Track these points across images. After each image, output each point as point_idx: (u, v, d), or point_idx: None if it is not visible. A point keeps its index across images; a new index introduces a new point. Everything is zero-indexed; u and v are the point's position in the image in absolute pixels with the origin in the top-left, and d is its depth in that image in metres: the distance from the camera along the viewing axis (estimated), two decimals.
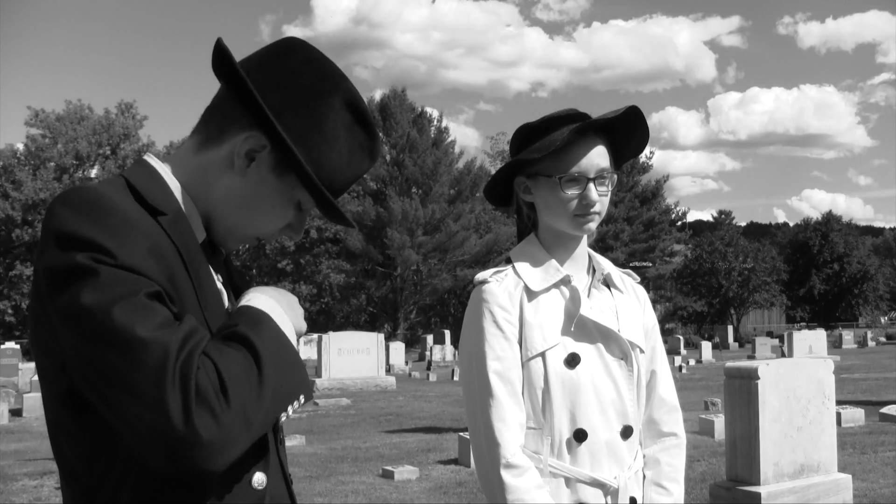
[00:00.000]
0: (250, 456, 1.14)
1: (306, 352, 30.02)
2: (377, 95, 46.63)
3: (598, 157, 1.83)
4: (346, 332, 21.42)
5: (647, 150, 58.94)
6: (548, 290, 1.87)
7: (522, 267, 1.90)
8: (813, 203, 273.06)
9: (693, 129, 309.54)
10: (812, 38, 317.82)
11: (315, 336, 23.21)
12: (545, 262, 1.90)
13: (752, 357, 27.12)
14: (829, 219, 70.56)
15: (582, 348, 1.84)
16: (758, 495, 5.27)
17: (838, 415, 9.35)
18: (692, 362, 27.71)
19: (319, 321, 46.64)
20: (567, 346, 1.83)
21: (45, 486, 7.87)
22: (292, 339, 1.18)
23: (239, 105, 1.21)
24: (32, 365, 20.18)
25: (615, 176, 1.88)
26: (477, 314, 1.86)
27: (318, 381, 18.75)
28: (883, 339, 44.02)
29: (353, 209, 44.36)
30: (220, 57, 1.23)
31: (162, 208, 1.15)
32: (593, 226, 1.88)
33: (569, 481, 1.79)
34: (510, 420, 1.78)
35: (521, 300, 1.85)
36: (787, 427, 5.46)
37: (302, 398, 1.16)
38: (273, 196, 1.23)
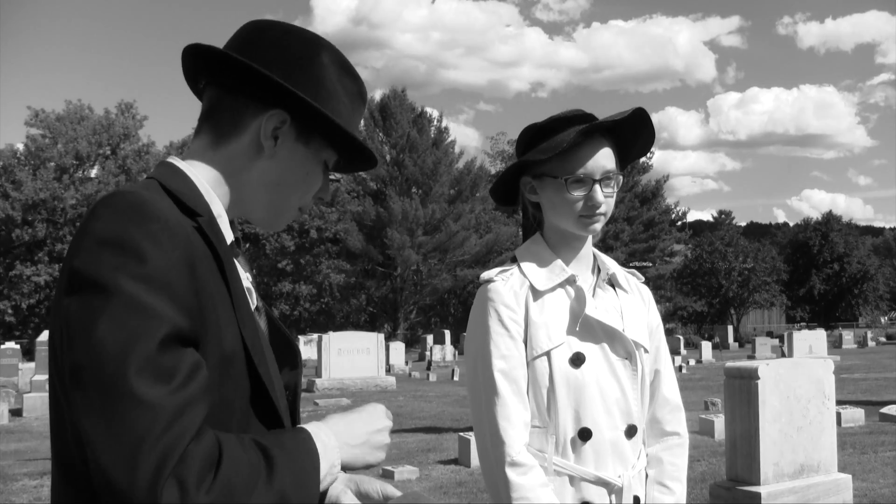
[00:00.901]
0: None
1: (306, 352, 30.01)
2: (377, 95, 46.64)
3: (604, 158, 1.84)
4: (346, 332, 21.42)
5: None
6: (553, 289, 1.88)
7: (528, 266, 1.90)
8: (813, 203, 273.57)
9: (693, 129, 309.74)
10: (811, 38, 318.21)
11: (315, 336, 23.22)
12: (551, 261, 1.91)
13: (752, 357, 27.12)
14: (829, 219, 70.57)
15: (587, 348, 1.84)
16: (758, 495, 5.27)
17: (838, 415, 9.35)
18: (692, 362, 27.71)
19: (319, 321, 46.63)
20: (572, 345, 1.84)
21: (45, 486, 7.87)
22: (326, 482, 1.13)
23: (245, 92, 1.23)
24: (32, 365, 20.19)
25: (621, 177, 1.89)
26: (482, 313, 1.87)
27: (317, 381, 18.76)
28: (883, 339, 44.03)
29: (353, 209, 44.37)
30: (206, 57, 1.24)
31: (198, 210, 1.16)
32: (598, 226, 1.89)
33: (573, 480, 1.80)
34: (515, 419, 1.79)
35: (526, 299, 1.86)
36: (787, 427, 5.46)
37: None
38: (305, 164, 1.28)
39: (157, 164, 1.25)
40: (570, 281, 1.89)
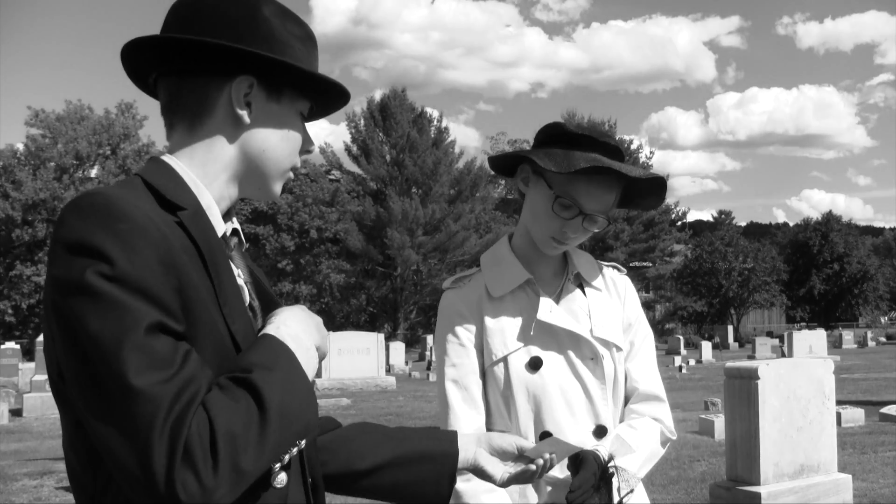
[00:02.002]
0: None
1: None
2: (377, 95, 46.66)
3: (603, 197, 1.81)
4: (346, 332, 21.43)
5: (647, 151, 58.99)
6: (510, 293, 1.87)
7: (488, 272, 1.91)
8: (812, 203, 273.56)
9: (692, 129, 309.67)
10: (811, 38, 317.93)
11: None
12: (511, 265, 1.90)
13: (752, 357, 27.13)
14: (829, 219, 70.57)
15: (547, 351, 1.84)
16: (758, 495, 5.27)
17: (838, 415, 9.35)
18: (692, 362, 27.72)
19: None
20: (531, 349, 1.83)
21: (45, 486, 7.87)
22: (312, 370, 1.15)
23: (203, 69, 1.21)
24: (32, 365, 20.20)
25: (607, 222, 1.86)
26: (439, 323, 1.91)
27: (318, 381, 18.76)
28: (883, 339, 44.04)
29: (353, 209, 44.38)
30: (153, 47, 1.22)
31: (181, 203, 1.15)
32: (561, 250, 1.88)
33: (538, 483, 1.78)
34: (464, 426, 1.80)
35: (481, 305, 1.86)
36: (787, 427, 5.46)
37: (303, 442, 1.15)
38: (283, 121, 1.27)
39: (148, 161, 1.24)
40: (530, 283, 1.88)
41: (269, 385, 1.05)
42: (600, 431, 1.83)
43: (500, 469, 1.47)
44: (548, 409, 1.79)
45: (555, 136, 1.84)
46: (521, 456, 1.47)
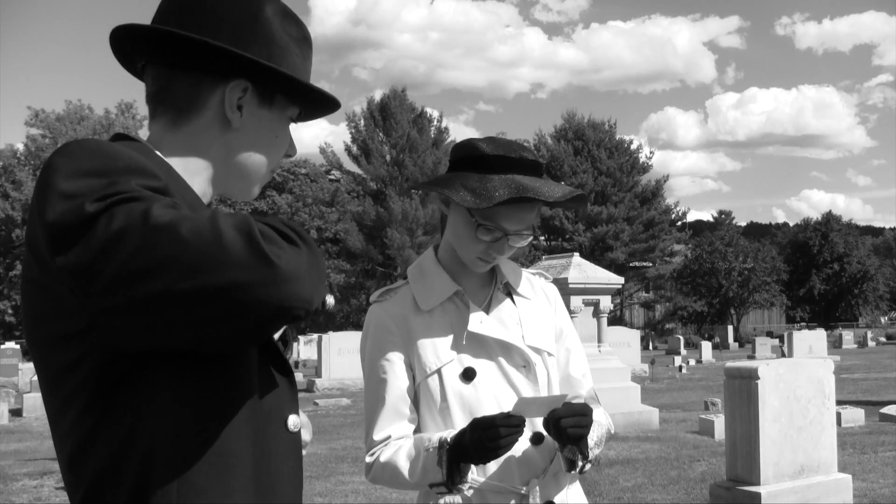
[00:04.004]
0: (285, 397, 1.16)
1: (306, 352, 30.01)
2: (377, 96, 46.66)
3: (525, 216, 1.79)
4: (346, 332, 21.41)
5: (647, 151, 58.96)
6: (440, 306, 1.87)
7: (415, 285, 1.90)
8: (812, 203, 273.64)
9: (692, 129, 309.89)
10: (809, 38, 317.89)
11: (315, 336, 23.19)
12: (439, 277, 1.89)
13: (752, 357, 27.12)
14: (829, 219, 70.55)
15: (479, 361, 1.83)
16: (758, 495, 5.27)
17: (838, 415, 9.35)
18: (692, 362, 27.70)
19: (319, 321, 46.62)
20: (463, 360, 1.83)
21: (45, 486, 7.87)
22: None
23: (197, 66, 1.18)
24: (32, 365, 20.12)
25: (532, 235, 1.85)
26: (366, 338, 1.90)
27: (317, 381, 18.77)
28: (883, 339, 44.00)
29: (353, 209, 44.38)
30: (147, 37, 1.19)
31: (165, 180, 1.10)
32: (489, 267, 1.88)
33: (479, 492, 1.78)
34: (379, 437, 1.83)
35: (409, 319, 1.85)
36: (787, 427, 5.46)
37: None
38: (273, 127, 1.26)
39: (115, 135, 1.21)
40: (459, 295, 1.87)
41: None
42: (537, 439, 1.83)
43: None
44: None
45: (469, 160, 1.79)
46: None
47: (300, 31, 1.27)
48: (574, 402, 1.74)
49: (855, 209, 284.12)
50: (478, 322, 1.84)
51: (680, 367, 24.08)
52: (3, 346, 23.74)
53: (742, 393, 5.49)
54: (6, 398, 15.60)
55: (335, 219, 45.21)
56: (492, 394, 1.82)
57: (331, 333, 20.35)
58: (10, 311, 40.93)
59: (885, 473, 7.32)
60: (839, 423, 9.25)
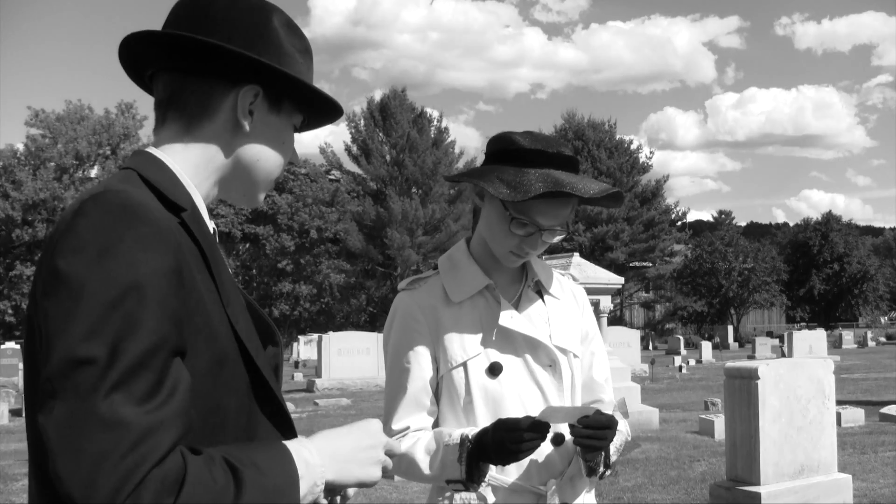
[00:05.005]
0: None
1: (306, 352, 30.00)
2: (377, 96, 46.65)
3: (559, 212, 1.78)
4: (346, 332, 21.44)
5: (646, 151, 58.96)
6: (469, 299, 1.85)
7: (446, 276, 1.89)
8: (812, 203, 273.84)
9: (692, 129, 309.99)
10: (809, 38, 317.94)
11: (315, 336, 23.20)
12: (470, 270, 1.88)
13: (752, 357, 27.13)
14: (829, 219, 70.53)
15: (506, 357, 1.82)
16: (758, 495, 5.27)
17: (838, 415, 9.35)
18: (692, 362, 27.71)
19: (319, 321, 46.62)
20: (490, 355, 1.82)
21: None
22: (308, 499, 1.08)
23: (210, 71, 1.20)
24: None
25: (566, 232, 1.84)
26: (392, 325, 1.88)
27: (318, 381, 18.78)
28: (883, 339, 44.00)
29: (353, 209, 44.37)
30: (161, 43, 1.21)
31: (181, 203, 1.13)
32: (521, 262, 1.87)
33: (496, 490, 1.78)
34: (399, 427, 1.83)
35: (438, 310, 1.84)
36: (787, 427, 5.46)
37: None
38: (281, 133, 1.28)
39: (134, 154, 1.22)
40: (490, 289, 1.86)
41: (253, 486, 0.99)
42: (558, 440, 1.82)
43: None
44: (505, 416, 1.76)
45: (505, 153, 1.79)
46: None
47: (302, 43, 1.30)
48: (603, 413, 1.72)
49: (855, 209, 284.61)
50: (508, 317, 1.83)
51: (680, 367, 24.08)
52: (3, 346, 23.71)
53: (742, 393, 5.49)
54: (6, 398, 15.61)
55: (335, 219, 45.19)
56: (516, 391, 1.81)
57: (331, 333, 20.36)
58: (10, 311, 40.92)
59: (885, 473, 7.32)
60: (839, 423, 9.25)
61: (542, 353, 1.84)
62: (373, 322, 47.03)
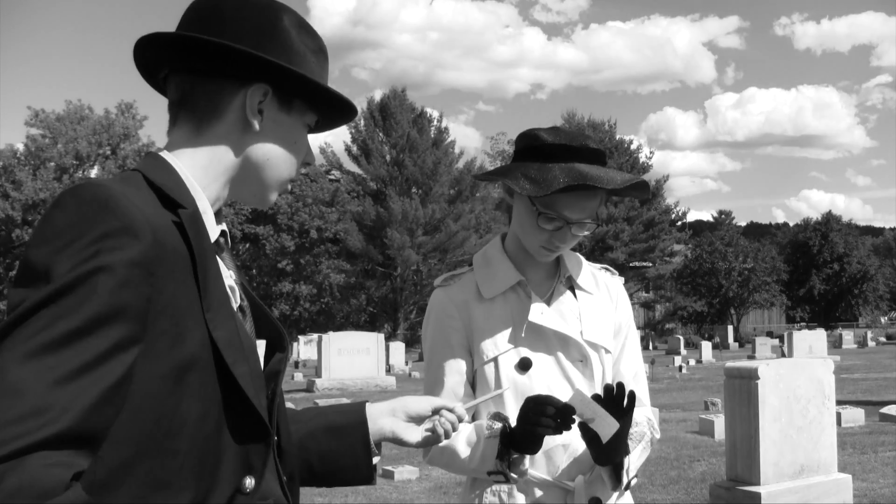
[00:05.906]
0: (239, 463, 1.14)
1: (306, 352, 29.99)
2: (377, 96, 46.66)
3: (586, 205, 1.79)
4: (346, 332, 21.43)
5: (646, 151, 58.99)
6: (502, 294, 1.88)
7: (479, 272, 1.92)
8: (811, 203, 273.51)
9: (691, 129, 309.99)
10: (808, 39, 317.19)
11: (315, 336, 23.21)
12: (503, 266, 1.90)
13: (752, 357, 27.12)
14: (829, 219, 70.57)
15: (537, 353, 1.85)
16: (758, 495, 5.27)
17: (838, 415, 9.35)
18: (692, 362, 27.70)
19: (319, 321, 46.62)
20: (521, 350, 1.84)
21: None
22: None
23: (220, 72, 1.21)
24: None
25: (597, 224, 1.85)
26: (429, 321, 1.93)
27: (317, 381, 18.76)
28: (883, 339, 44.00)
29: (353, 209, 44.38)
30: (172, 44, 1.22)
31: (182, 202, 1.14)
32: (554, 257, 1.88)
33: (526, 483, 1.79)
34: None
35: (471, 306, 1.87)
36: (787, 427, 5.46)
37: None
38: (292, 132, 1.28)
39: (144, 156, 1.23)
40: (522, 285, 1.88)
41: None
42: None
43: (418, 433, 1.49)
44: None
45: (531, 149, 1.81)
46: (436, 416, 1.49)
47: (316, 43, 1.30)
48: (631, 432, 1.76)
49: (855, 209, 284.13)
50: (538, 313, 1.85)
51: (680, 367, 24.08)
52: None
53: (742, 393, 5.49)
54: None
55: (335, 219, 45.19)
56: (546, 385, 1.82)
57: (331, 333, 20.35)
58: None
59: (885, 473, 7.32)
60: (839, 423, 9.25)
61: (573, 349, 1.86)
62: (372, 322, 47.04)
